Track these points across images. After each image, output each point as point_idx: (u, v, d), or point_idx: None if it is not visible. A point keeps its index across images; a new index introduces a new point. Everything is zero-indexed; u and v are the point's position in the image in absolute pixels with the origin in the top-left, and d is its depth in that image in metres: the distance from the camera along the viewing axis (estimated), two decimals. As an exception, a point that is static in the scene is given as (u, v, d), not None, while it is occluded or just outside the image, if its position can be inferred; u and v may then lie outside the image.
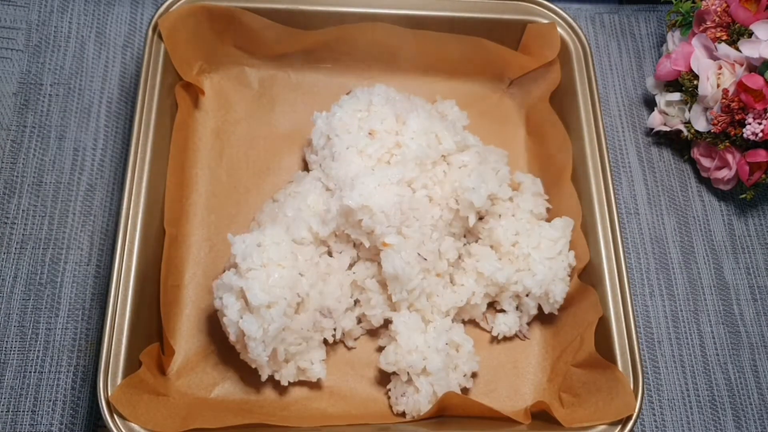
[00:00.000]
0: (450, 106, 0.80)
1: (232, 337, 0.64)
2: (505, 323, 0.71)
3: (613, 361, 0.64)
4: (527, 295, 0.70)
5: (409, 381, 0.66)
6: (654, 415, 0.73)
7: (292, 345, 0.64)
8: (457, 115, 0.79)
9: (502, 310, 0.72)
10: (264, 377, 0.65)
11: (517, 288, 0.69)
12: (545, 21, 0.78)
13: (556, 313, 0.71)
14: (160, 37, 0.72)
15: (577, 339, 0.68)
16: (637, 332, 0.65)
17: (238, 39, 0.78)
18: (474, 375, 0.69)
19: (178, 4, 0.74)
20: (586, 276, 0.70)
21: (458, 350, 0.68)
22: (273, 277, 0.62)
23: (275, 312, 0.61)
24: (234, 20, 0.76)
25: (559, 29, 0.77)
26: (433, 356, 0.65)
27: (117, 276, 0.63)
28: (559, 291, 0.69)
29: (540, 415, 0.65)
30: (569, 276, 0.70)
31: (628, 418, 0.62)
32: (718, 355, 0.76)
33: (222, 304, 0.64)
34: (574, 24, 0.78)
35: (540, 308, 0.71)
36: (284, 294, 0.62)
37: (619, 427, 0.62)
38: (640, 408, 0.62)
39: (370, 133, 0.69)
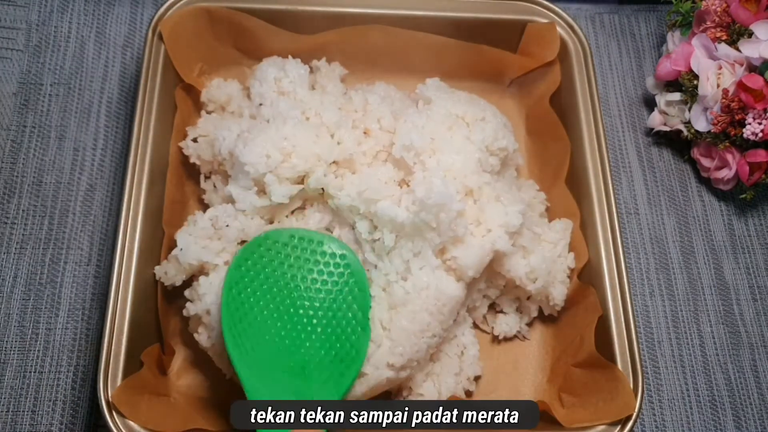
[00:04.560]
0: (451, 107, 0.79)
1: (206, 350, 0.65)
2: (506, 323, 0.71)
3: (613, 361, 0.64)
4: (528, 298, 0.70)
5: (411, 381, 0.66)
6: (654, 415, 0.73)
7: None
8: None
9: (502, 312, 0.72)
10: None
11: (517, 290, 0.69)
12: (545, 21, 0.78)
13: (555, 314, 0.71)
14: (160, 38, 0.72)
15: (577, 339, 0.68)
16: (637, 332, 0.65)
17: (238, 41, 0.78)
18: (476, 378, 0.69)
19: (178, 5, 0.74)
20: (586, 276, 0.70)
21: (463, 354, 0.68)
22: (201, 285, 0.62)
23: (213, 319, 0.61)
24: (234, 22, 0.76)
25: (558, 29, 0.77)
26: None
27: (117, 276, 0.63)
28: (558, 294, 0.69)
29: (540, 415, 0.64)
30: (569, 278, 0.70)
31: (628, 418, 0.62)
32: (718, 355, 0.76)
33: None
34: (574, 24, 0.78)
35: (540, 309, 0.72)
36: (217, 300, 0.61)
37: (619, 427, 0.61)
38: (640, 408, 0.62)
39: (364, 132, 0.69)
